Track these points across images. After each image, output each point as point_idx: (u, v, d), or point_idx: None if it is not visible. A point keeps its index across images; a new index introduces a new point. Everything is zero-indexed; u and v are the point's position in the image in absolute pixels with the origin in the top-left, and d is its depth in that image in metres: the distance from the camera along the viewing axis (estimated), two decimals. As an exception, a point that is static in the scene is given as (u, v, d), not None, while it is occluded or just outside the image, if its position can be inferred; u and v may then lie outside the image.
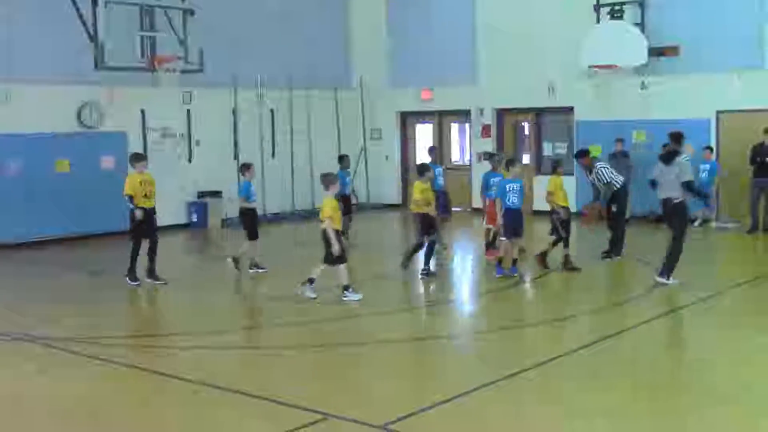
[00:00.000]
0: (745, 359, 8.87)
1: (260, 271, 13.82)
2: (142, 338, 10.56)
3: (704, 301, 11.30)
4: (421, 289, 12.83)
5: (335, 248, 11.39)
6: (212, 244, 18.34)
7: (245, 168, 14.23)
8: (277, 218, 20.81)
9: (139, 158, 13.25)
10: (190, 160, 19.62)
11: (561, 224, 13.35)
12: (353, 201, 18.04)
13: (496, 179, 13.93)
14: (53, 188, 17.31)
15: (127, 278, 12.89)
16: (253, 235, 13.84)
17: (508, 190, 12.97)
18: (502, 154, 17.58)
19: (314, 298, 11.53)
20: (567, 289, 12.78)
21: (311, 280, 11.65)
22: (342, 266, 11.58)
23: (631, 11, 18.79)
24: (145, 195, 12.80)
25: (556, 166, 13.83)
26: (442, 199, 15.32)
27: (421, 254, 13.37)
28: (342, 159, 17.18)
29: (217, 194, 19.86)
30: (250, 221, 13.86)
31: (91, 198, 17.71)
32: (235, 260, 13.80)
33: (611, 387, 7.99)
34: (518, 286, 12.62)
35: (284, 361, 9.18)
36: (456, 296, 12.84)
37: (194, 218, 19.62)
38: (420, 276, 13.07)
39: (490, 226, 14.32)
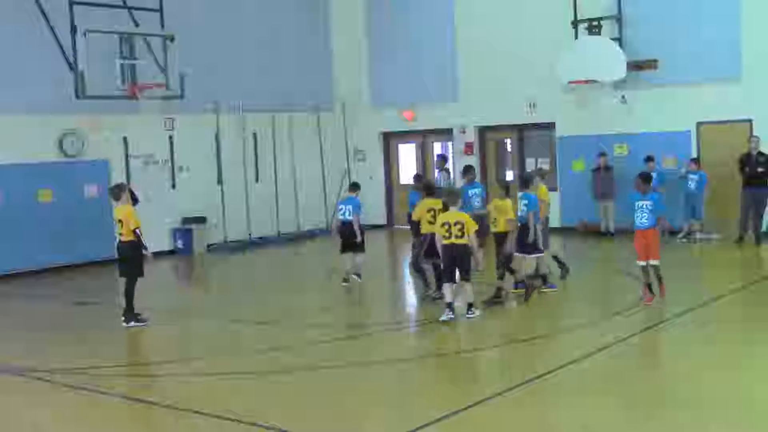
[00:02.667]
0: (731, 371, 8.88)
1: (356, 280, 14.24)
2: (127, 367, 10.49)
3: (690, 313, 11.34)
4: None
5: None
6: (198, 270, 18.26)
7: (356, 187, 14.67)
8: (262, 242, 20.76)
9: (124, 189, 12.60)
10: (173, 186, 19.55)
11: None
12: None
13: (647, 202, 11.77)
14: (36, 218, 17.21)
15: (134, 321, 12.06)
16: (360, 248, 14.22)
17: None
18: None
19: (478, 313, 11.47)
20: (559, 302, 12.75)
21: (471, 305, 11.41)
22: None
23: (608, 26, 18.93)
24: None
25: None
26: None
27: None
28: (419, 178, 16.20)
29: (201, 220, 19.79)
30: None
31: (75, 227, 17.61)
32: (356, 274, 14.26)
33: (601, 401, 7.99)
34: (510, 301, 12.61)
35: (271, 386, 9.13)
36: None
37: (179, 245, 19.52)
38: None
39: (655, 262, 11.83)
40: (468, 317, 11.36)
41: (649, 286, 11.85)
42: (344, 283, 14.17)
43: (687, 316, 11.17)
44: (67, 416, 8.31)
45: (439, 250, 11.49)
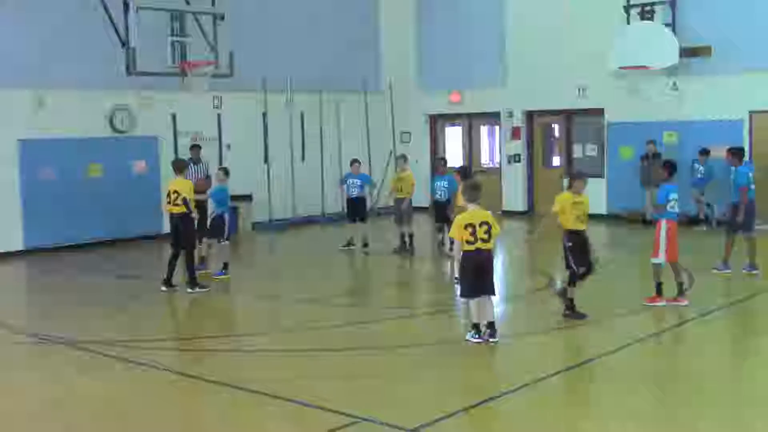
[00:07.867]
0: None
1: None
2: (173, 341, 10.66)
3: (734, 306, 11.21)
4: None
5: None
6: (243, 248, 18.42)
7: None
8: (307, 221, 20.87)
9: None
10: (221, 164, 19.68)
11: None
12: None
13: (674, 195, 10.99)
14: (86, 193, 17.49)
15: (198, 288, 12.84)
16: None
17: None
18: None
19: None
20: (592, 290, 12.64)
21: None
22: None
23: (662, 11, 18.65)
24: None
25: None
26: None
27: None
28: (442, 161, 16.34)
29: (247, 198, 19.93)
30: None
31: (124, 202, 17.86)
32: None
33: (641, 391, 7.95)
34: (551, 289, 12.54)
35: (314, 363, 9.21)
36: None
37: (225, 222, 19.68)
38: None
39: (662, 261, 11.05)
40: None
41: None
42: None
43: (729, 308, 11.04)
44: (122, 388, 8.48)
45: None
